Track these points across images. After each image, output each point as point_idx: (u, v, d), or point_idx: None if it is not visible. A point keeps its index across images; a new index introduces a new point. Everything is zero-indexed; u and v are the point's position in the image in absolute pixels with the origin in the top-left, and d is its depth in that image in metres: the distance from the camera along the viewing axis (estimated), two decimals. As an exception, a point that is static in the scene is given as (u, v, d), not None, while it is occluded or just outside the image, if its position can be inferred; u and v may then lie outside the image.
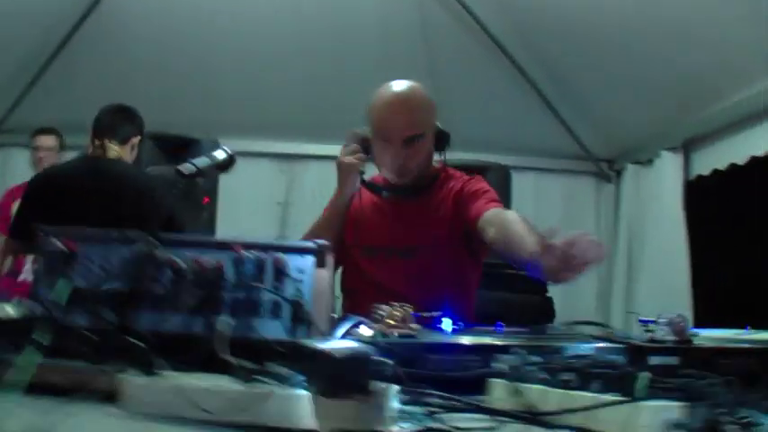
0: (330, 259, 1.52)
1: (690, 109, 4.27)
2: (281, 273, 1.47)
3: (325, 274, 1.51)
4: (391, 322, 1.59)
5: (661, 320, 1.59)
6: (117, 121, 3.38)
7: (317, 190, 5.27)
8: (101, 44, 4.62)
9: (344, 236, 2.43)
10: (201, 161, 1.97)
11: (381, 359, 1.10)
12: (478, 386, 1.30)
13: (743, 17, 3.44)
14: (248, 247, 1.47)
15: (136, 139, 3.44)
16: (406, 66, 4.69)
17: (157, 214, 3.08)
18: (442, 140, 2.40)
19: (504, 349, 1.32)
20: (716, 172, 4.21)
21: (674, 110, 4.37)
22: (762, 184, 3.98)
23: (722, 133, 4.09)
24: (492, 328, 1.74)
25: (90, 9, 4.48)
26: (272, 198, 5.29)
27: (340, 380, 1.05)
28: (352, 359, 1.05)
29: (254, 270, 1.45)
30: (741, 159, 3.92)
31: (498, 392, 1.28)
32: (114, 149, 3.34)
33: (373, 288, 2.28)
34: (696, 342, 1.58)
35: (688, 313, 4.25)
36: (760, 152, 3.75)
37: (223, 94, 4.94)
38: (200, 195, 4.11)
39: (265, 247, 1.49)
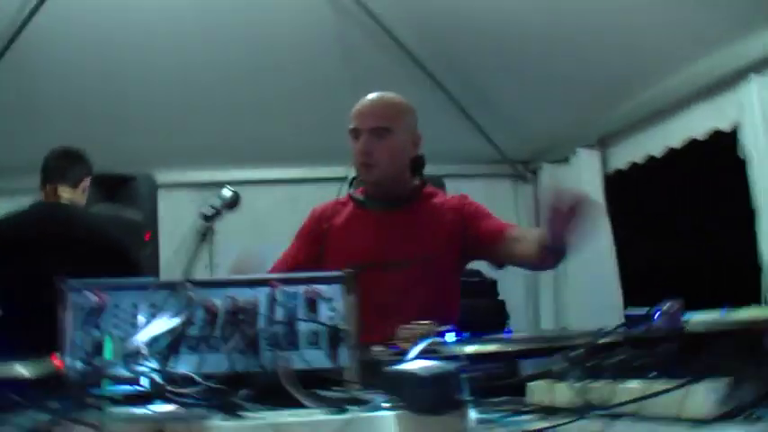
0: (355, 285, 1.57)
1: (603, 106, 4.47)
2: (314, 303, 1.51)
3: (352, 299, 1.56)
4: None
5: (656, 311, 1.70)
6: (66, 164, 3.33)
7: (240, 215, 5.27)
8: (14, 86, 4.49)
9: (329, 256, 2.45)
10: (215, 202, 1.99)
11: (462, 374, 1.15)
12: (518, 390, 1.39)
13: (652, 14, 3.64)
14: (282, 281, 1.51)
15: (86, 182, 3.40)
16: (324, 87, 4.80)
17: (119, 256, 3.08)
18: (418, 164, 2.53)
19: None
20: (634, 165, 4.42)
21: (587, 108, 4.56)
22: (680, 174, 4.22)
23: (637, 128, 4.31)
24: (501, 335, 1.82)
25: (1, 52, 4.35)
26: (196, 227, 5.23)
27: (432, 397, 1.10)
28: (441, 377, 1.11)
29: (290, 303, 1.49)
30: (658, 152, 4.14)
31: (539, 393, 1.36)
32: (66, 193, 3.28)
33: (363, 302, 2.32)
34: (692, 327, 1.69)
35: (618, 301, 4.46)
36: (676, 143, 3.98)
37: (139, 128, 4.87)
38: (142, 232, 4.11)
39: (297, 280, 1.53)
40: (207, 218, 1.64)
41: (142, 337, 1.38)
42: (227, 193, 1.86)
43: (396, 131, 2.45)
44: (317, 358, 1.47)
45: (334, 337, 1.48)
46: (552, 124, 4.92)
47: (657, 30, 3.71)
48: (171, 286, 1.51)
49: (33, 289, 2.94)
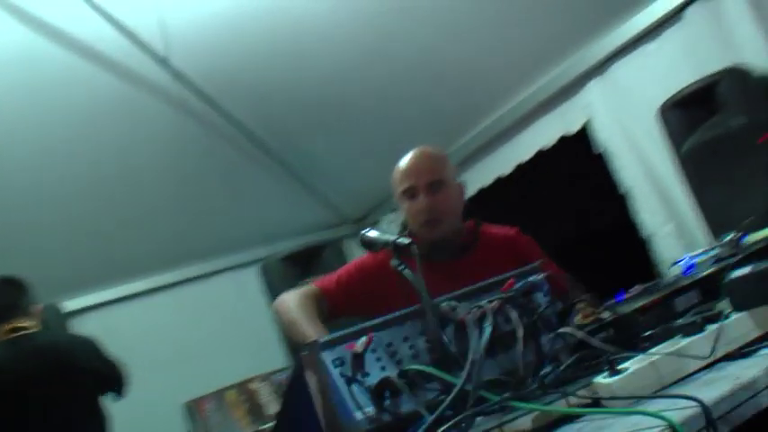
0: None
1: (440, 142, 4.79)
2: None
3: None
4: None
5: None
6: (12, 296, 3.07)
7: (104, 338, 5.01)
8: None
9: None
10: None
11: None
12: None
13: (481, 45, 4.03)
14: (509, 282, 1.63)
15: (39, 306, 3.15)
16: (190, 188, 4.72)
17: (104, 365, 2.95)
18: (467, 210, 2.58)
19: None
20: (482, 190, 4.75)
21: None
22: (535, 182, 4.65)
23: (482, 152, 4.68)
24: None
25: None
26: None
27: None
28: None
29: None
30: (506, 170, 4.54)
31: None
32: (28, 326, 3.03)
33: None
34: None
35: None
36: (524, 158, 4.41)
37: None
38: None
39: (514, 276, 1.66)
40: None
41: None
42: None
43: (449, 182, 2.45)
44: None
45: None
46: (387, 174, 5.18)
47: (487, 59, 4.09)
48: (411, 315, 1.58)
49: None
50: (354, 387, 1.47)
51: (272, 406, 4.34)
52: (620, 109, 3.87)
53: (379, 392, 1.47)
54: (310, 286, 2.48)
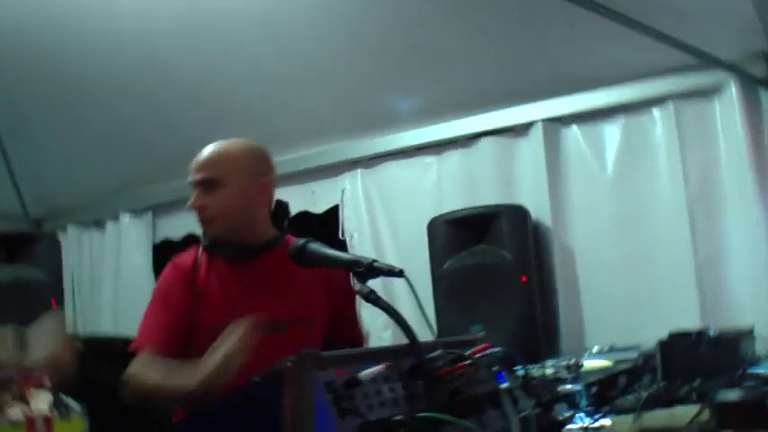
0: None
1: (155, 177, 4.55)
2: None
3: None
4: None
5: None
6: None
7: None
8: None
9: (198, 317, 2.12)
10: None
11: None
12: None
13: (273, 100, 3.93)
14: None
15: None
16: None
17: None
18: (278, 212, 2.32)
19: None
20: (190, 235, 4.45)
21: (135, 177, 4.62)
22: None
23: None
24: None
25: None
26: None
27: None
28: None
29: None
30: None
31: None
32: None
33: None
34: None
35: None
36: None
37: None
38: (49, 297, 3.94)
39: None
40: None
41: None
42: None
43: (224, 181, 2.19)
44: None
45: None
46: (89, 185, 4.72)
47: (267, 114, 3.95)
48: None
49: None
50: (348, 422, 1.25)
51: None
52: (375, 202, 4.02)
53: (376, 435, 1.27)
54: (141, 355, 2.04)
